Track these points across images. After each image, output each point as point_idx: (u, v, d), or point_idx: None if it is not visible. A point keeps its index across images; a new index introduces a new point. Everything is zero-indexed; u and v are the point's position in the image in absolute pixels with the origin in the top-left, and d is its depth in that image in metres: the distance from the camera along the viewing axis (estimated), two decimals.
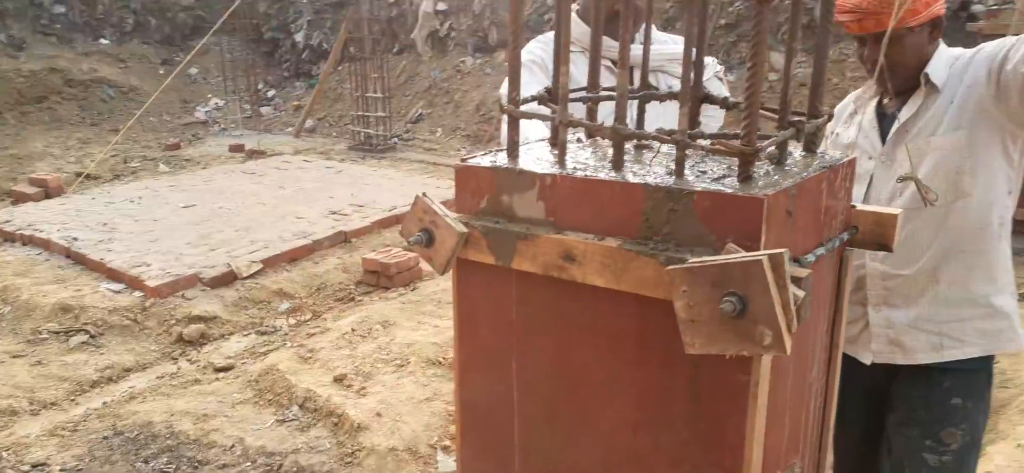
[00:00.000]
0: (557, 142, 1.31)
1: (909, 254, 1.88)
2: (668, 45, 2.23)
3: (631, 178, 1.11)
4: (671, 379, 1.11)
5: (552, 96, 1.33)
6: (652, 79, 2.22)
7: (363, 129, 11.21)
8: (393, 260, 5.38)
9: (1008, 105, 1.72)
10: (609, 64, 2.18)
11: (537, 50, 2.15)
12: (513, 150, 1.26)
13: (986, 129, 1.75)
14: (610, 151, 1.31)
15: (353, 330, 4.53)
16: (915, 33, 1.76)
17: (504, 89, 2.03)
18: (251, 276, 5.38)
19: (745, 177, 1.05)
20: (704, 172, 1.13)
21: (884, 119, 1.92)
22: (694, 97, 1.19)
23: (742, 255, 0.93)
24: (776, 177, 1.08)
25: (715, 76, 2.35)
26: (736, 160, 1.17)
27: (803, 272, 0.95)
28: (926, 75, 1.81)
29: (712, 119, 2.35)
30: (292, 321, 4.97)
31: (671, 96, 1.38)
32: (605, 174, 1.13)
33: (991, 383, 1.99)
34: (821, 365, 1.31)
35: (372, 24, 11.39)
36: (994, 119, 1.75)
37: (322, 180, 8.20)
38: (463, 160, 1.28)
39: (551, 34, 2.29)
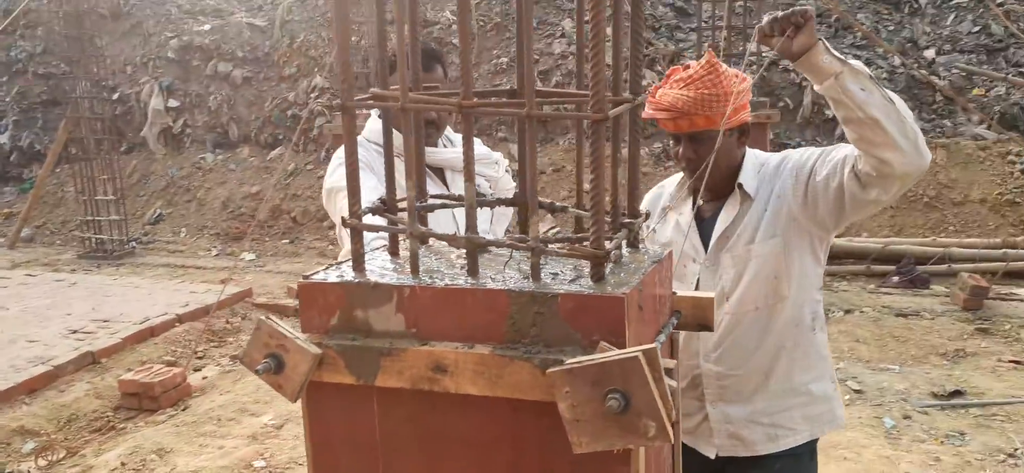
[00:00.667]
0: (395, 251, 1.31)
1: (740, 356, 2.03)
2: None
3: (491, 285, 1.13)
4: None
5: (387, 206, 1.32)
6: (456, 179, 2.29)
7: (94, 235, 10.14)
8: (157, 378, 4.86)
9: (816, 213, 1.92)
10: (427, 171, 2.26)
11: (360, 153, 2.17)
12: (359, 262, 1.23)
13: (796, 235, 1.96)
14: (454, 257, 1.33)
15: (123, 464, 4.01)
16: (724, 137, 1.93)
17: (341, 203, 1.98)
18: None
19: (598, 277, 1.12)
20: (556, 274, 1.18)
21: (703, 223, 2.09)
22: (530, 204, 1.24)
23: (618, 353, 0.99)
24: (622, 274, 1.16)
25: (505, 172, 2.48)
26: (582, 261, 1.25)
27: (671, 363, 1.03)
28: (740, 185, 1.99)
29: (504, 217, 2.47)
30: (42, 463, 4.27)
31: (509, 202, 1.43)
32: (465, 282, 1.14)
33: (814, 459, 2.18)
34: (668, 450, 1.40)
35: (94, 122, 10.44)
36: (802, 225, 1.96)
37: (53, 295, 7.25)
38: (306, 277, 1.22)
39: (367, 134, 2.28)
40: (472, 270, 1.18)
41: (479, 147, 2.36)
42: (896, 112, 1.68)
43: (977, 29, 10.59)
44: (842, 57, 1.69)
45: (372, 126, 2.29)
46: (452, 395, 1.13)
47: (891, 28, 10.92)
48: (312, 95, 11.76)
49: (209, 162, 11.88)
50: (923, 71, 9.80)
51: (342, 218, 1.92)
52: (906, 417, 4.30)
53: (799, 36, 1.67)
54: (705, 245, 2.07)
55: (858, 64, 1.71)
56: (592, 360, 1.00)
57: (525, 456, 1.13)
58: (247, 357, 1.19)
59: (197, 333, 5.88)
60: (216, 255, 9.87)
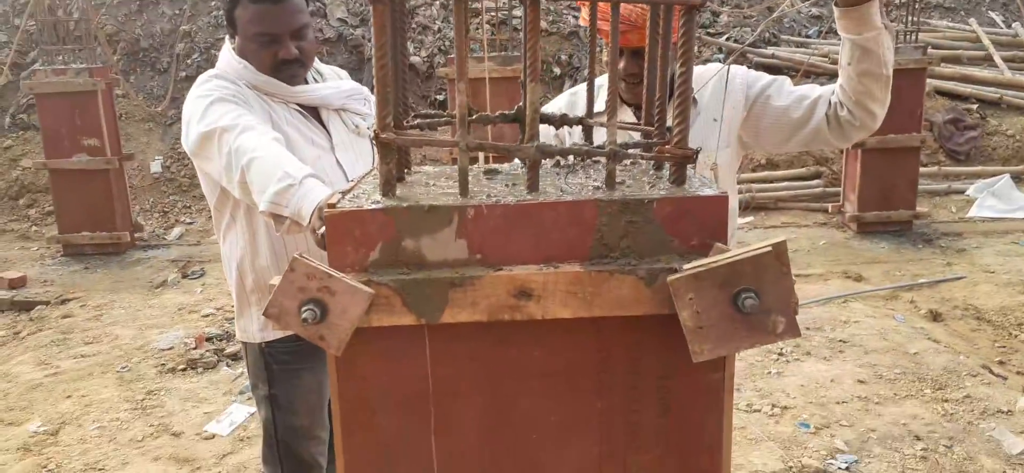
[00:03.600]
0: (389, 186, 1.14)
1: None
2: (343, 81, 2.13)
3: (567, 198, 1.02)
4: (638, 400, 1.06)
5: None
6: (340, 118, 2.05)
7: None
8: None
9: (756, 131, 1.95)
10: (298, 109, 2.00)
11: (230, 88, 1.90)
12: (390, 185, 1.05)
13: (736, 149, 2.01)
14: (483, 178, 1.19)
15: None
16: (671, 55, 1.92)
17: (237, 143, 1.65)
18: None
19: (681, 180, 1.07)
20: (620, 182, 1.10)
21: None
22: (608, 106, 1.13)
23: (747, 250, 0.95)
24: (692, 177, 1.11)
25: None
26: (639, 167, 1.19)
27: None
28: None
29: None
30: None
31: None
32: (541, 197, 1.02)
33: None
34: None
35: None
36: (743, 143, 2.01)
37: None
38: (332, 207, 1.01)
39: (225, 69, 1.92)
40: (533, 185, 1.06)
41: (347, 81, 2.14)
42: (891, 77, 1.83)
43: None
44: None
45: (230, 62, 1.95)
46: (526, 324, 1.02)
47: None
48: None
49: None
50: None
51: (243, 164, 1.63)
52: None
53: None
54: None
55: (891, 25, 1.79)
56: (720, 261, 0.94)
57: (612, 377, 1.05)
58: (277, 307, 0.96)
59: None
60: None
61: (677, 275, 0.95)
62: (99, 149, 6.71)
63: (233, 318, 4.85)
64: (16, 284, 5.96)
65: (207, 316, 4.97)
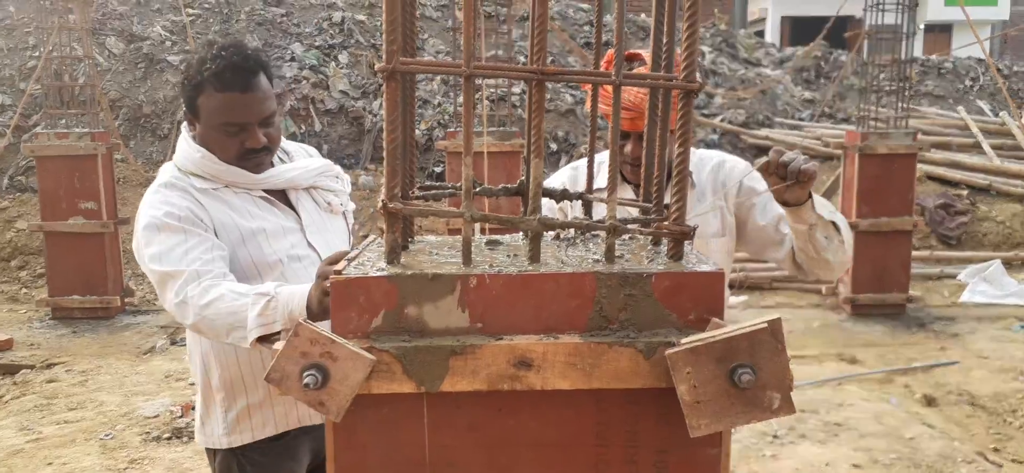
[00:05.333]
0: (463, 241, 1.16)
1: None
2: (312, 159, 2.06)
3: (568, 269, 1.04)
4: None
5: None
6: (310, 197, 1.99)
7: None
8: None
9: (743, 231, 2.01)
10: (263, 195, 1.91)
11: (179, 202, 1.79)
12: (395, 254, 1.07)
13: (733, 232, 2.04)
14: (485, 248, 1.21)
15: None
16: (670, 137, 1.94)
17: (185, 293, 1.66)
18: None
19: (678, 255, 1.09)
20: (619, 256, 1.12)
21: None
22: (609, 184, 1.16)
23: (743, 327, 0.96)
24: (689, 254, 1.13)
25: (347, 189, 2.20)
26: (637, 242, 1.21)
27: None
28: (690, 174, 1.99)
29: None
30: None
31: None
32: (540, 269, 1.04)
33: None
34: None
35: None
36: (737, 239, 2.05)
37: None
38: (337, 273, 1.03)
39: (182, 163, 1.86)
40: (534, 256, 1.08)
41: (317, 159, 2.06)
42: (843, 251, 1.87)
43: None
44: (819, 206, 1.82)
45: (189, 153, 1.84)
46: (525, 394, 1.02)
47: None
48: None
49: None
50: None
51: (199, 311, 1.63)
52: None
53: (798, 189, 1.70)
54: None
55: (830, 209, 1.85)
56: (716, 336, 0.96)
57: (609, 450, 1.05)
58: (279, 372, 0.97)
59: None
60: None
61: (675, 349, 0.96)
62: (96, 212, 6.73)
63: None
64: (2, 347, 5.90)
65: (193, 385, 4.90)
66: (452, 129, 7.29)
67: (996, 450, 3.98)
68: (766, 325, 0.95)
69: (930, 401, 4.62)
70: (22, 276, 8.25)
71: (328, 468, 1.05)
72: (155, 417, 4.31)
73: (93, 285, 6.76)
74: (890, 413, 4.36)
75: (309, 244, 1.92)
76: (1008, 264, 7.64)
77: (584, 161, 2.20)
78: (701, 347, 0.96)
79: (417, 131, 9.51)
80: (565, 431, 1.05)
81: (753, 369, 0.95)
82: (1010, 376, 4.97)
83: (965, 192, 8.66)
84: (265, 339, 1.59)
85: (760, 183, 1.97)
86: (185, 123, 1.90)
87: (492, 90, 7.65)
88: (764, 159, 1.68)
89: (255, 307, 1.58)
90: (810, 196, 1.77)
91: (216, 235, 1.79)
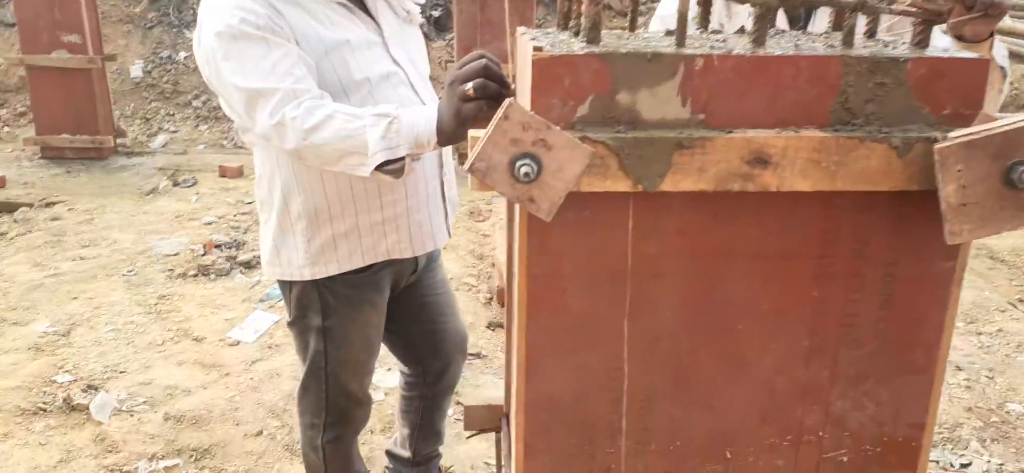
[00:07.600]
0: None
1: None
2: None
3: (806, 52, 0.89)
4: (859, 289, 0.95)
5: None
6: (388, 5, 1.77)
7: None
8: None
9: None
10: (342, 1, 1.67)
11: (258, 9, 1.52)
12: (595, 31, 0.91)
13: None
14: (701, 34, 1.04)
15: None
16: None
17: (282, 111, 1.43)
18: None
19: (924, 43, 0.94)
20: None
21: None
22: None
23: (1021, 118, 0.83)
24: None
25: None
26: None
27: None
28: None
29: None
30: None
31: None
32: (776, 50, 0.89)
33: None
34: None
35: None
36: None
37: None
38: (537, 49, 0.87)
39: None
40: (759, 39, 0.92)
41: None
42: (998, 102, 1.68)
43: None
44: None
45: None
46: (746, 198, 0.90)
47: None
48: None
49: None
50: None
51: (306, 133, 1.42)
52: None
53: (982, 23, 1.52)
54: None
55: (1003, 54, 1.66)
56: (993, 129, 0.83)
57: (835, 261, 0.94)
58: (486, 161, 0.83)
59: None
60: None
61: (945, 143, 0.83)
62: (80, 46, 6.35)
63: (240, 228, 4.68)
64: None
65: (210, 223, 4.77)
66: None
67: (1021, 301, 4.01)
68: None
69: None
70: (3, 114, 7.90)
71: (520, 275, 0.93)
72: (175, 255, 4.18)
73: (83, 124, 6.47)
74: None
75: (393, 59, 1.72)
76: None
77: None
78: (978, 141, 0.82)
79: None
80: (787, 241, 0.93)
81: None
82: None
83: None
84: (381, 168, 1.43)
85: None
86: None
87: None
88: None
89: (376, 127, 1.40)
90: (991, 35, 1.58)
91: (298, 46, 1.56)
